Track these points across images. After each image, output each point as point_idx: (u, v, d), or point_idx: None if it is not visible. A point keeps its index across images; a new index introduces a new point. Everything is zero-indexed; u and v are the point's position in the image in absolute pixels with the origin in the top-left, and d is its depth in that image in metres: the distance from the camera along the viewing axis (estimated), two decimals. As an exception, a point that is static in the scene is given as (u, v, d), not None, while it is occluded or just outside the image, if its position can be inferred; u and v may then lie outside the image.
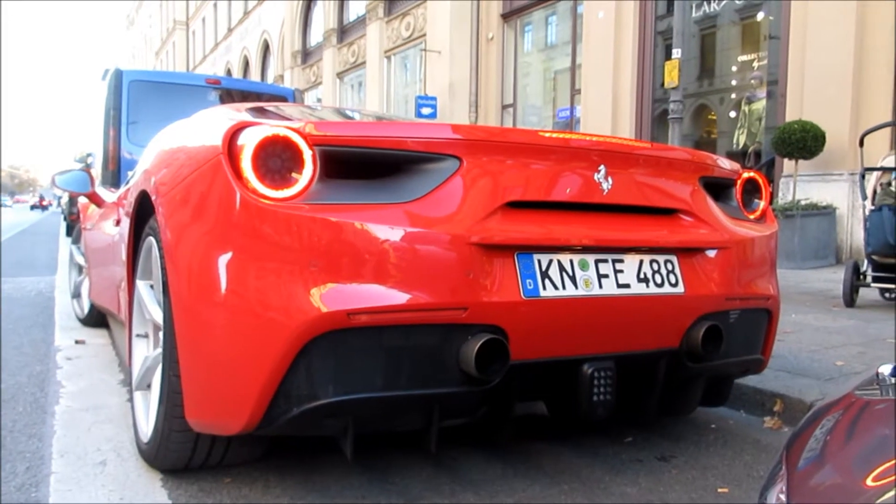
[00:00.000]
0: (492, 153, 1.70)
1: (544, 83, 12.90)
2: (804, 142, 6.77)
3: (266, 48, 24.83)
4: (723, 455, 2.13)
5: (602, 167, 1.80)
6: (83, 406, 2.48)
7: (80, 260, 4.31)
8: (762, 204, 2.26)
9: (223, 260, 1.58)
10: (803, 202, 6.88)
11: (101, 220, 3.34)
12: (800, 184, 7.15)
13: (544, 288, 1.66)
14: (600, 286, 1.74)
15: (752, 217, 2.21)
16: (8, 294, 5.41)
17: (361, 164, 1.63)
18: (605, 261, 1.78)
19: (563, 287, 1.69)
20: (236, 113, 1.98)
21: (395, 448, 2.09)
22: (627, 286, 1.78)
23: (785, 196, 7.38)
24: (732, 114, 9.14)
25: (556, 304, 1.67)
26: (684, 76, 7.14)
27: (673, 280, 1.87)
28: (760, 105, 8.61)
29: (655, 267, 1.85)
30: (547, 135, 1.79)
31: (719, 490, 1.87)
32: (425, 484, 1.85)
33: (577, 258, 1.74)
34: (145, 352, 2.17)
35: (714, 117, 9.83)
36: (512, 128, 1.98)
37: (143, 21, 53.34)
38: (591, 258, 1.76)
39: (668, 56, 7.90)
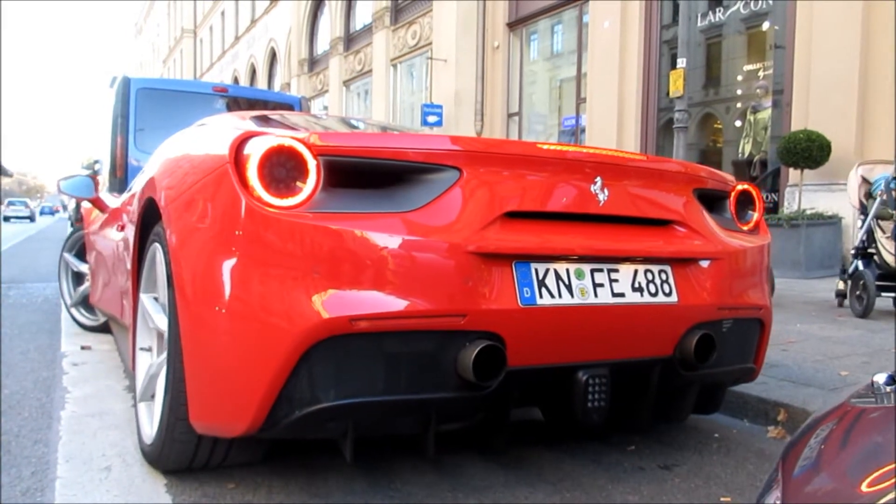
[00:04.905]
0: (491, 164, 1.73)
1: (550, 92, 12.93)
2: (810, 151, 6.77)
3: (273, 56, 24.98)
4: (725, 464, 2.13)
5: (598, 179, 1.84)
6: (89, 412, 2.49)
7: (82, 268, 4.34)
8: (756, 215, 2.29)
9: (228, 266, 1.61)
10: (809, 212, 6.87)
11: (106, 225, 3.38)
12: (805, 193, 7.15)
13: (541, 296, 1.69)
14: (595, 295, 1.78)
15: (745, 228, 2.24)
16: (15, 300, 5.44)
17: (364, 174, 1.66)
18: (601, 270, 1.81)
19: (560, 295, 1.72)
20: (241, 121, 2.01)
21: (397, 454, 2.10)
22: (622, 295, 1.82)
23: (790, 205, 7.37)
24: (738, 123, 9.15)
25: (553, 311, 1.70)
26: (690, 85, 7.16)
27: (667, 289, 1.90)
28: (766, 114, 8.61)
29: (650, 276, 1.88)
30: (545, 147, 1.83)
31: (722, 499, 1.87)
32: (427, 490, 1.86)
33: (573, 267, 1.77)
34: (149, 360, 2.19)
35: (720, 126, 9.84)
36: (510, 140, 2.06)
37: (151, 29, 53.73)
38: (586, 267, 1.79)
39: (673, 65, 7.92)
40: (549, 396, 1.95)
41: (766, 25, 8.88)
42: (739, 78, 9.26)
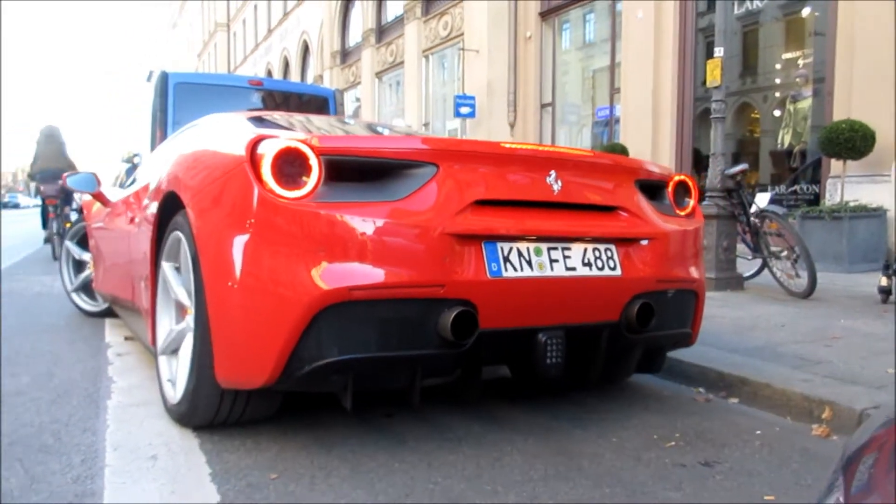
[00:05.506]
0: (463, 161, 2.06)
1: (583, 82, 12.80)
2: (853, 142, 6.59)
3: (306, 48, 25.14)
4: (769, 462, 2.10)
5: (553, 172, 2.17)
6: (134, 401, 2.55)
7: (84, 257, 4.50)
8: (692, 202, 2.64)
9: (248, 247, 1.90)
10: (852, 204, 6.69)
11: (111, 217, 3.60)
12: (848, 185, 6.96)
13: (506, 270, 2.02)
14: (552, 269, 2.10)
15: (682, 213, 2.59)
16: (60, 290, 5.58)
17: (358, 170, 1.97)
18: (556, 248, 2.14)
19: (522, 269, 2.04)
20: (246, 123, 2.38)
21: (437, 447, 2.12)
22: (574, 269, 2.15)
23: (832, 197, 7.19)
24: (777, 112, 8.95)
25: (516, 283, 2.03)
26: (726, 74, 7.01)
27: (612, 265, 2.23)
28: (806, 104, 8.41)
29: (597, 254, 2.21)
30: (508, 145, 2.16)
31: (766, 498, 1.84)
32: (468, 483, 1.87)
33: (532, 246, 2.09)
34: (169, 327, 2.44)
35: (757, 116, 9.64)
36: (478, 140, 2.38)
37: (185, 23, 54.45)
38: (544, 246, 2.11)
39: (709, 54, 7.75)
40: (515, 354, 2.28)
41: (805, 11, 8.66)
42: (778, 66, 9.06)
